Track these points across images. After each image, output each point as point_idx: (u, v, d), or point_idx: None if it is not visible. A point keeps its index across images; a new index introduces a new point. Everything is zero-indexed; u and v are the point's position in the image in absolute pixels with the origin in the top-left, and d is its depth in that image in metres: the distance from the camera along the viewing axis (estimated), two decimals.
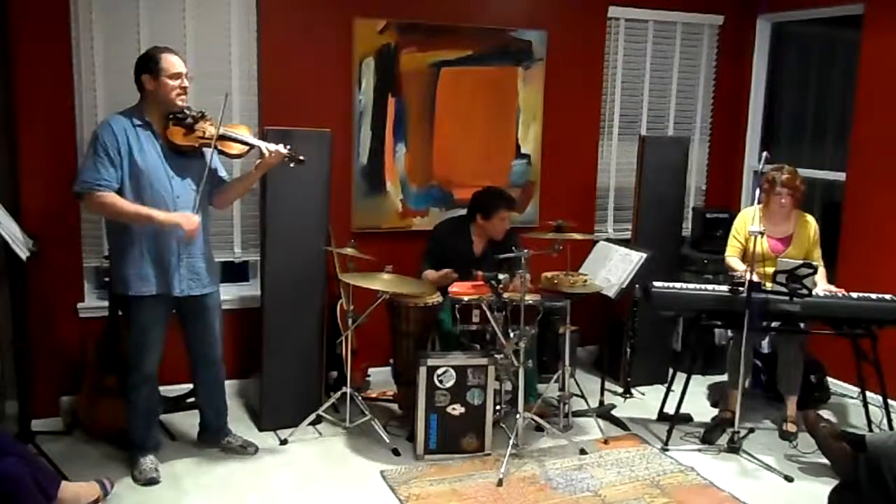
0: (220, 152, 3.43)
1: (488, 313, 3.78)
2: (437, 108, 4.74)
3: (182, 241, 3.34)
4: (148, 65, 3.29)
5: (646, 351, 4.83)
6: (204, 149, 3.38)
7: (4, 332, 3.76)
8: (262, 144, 3.45)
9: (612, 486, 3.59)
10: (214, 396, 3.78)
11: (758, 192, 4.05)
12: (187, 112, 3.35)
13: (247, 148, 3.45)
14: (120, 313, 3.74)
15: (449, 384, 3.77)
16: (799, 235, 4.23)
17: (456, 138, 4.80)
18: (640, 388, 4.83)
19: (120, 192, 3.26)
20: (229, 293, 4.43)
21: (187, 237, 3.30)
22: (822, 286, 4.07)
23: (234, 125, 3.53)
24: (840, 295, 4.00)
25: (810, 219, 4.28)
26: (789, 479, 3.68)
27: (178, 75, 3.30)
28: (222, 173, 3.62)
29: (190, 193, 3.36)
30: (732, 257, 4.33)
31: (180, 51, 4.05)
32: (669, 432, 4.04)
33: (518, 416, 3.80)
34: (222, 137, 3.39)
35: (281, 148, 3.44)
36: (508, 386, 4.21)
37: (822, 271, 4.17)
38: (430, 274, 4.29)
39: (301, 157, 3.50)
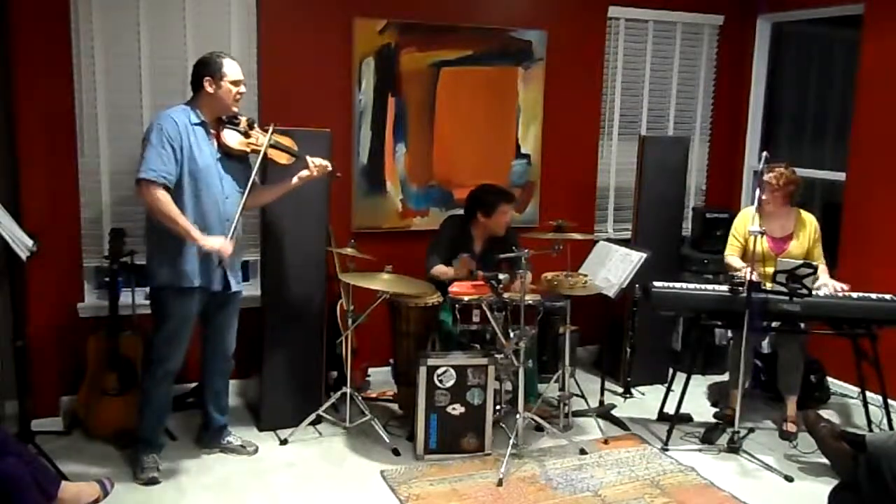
0: (270, 160, 3.53)
1: (488, 313, 3.78)
2: (437, 108, 4.74)
3: (216, 265, 3.41)
4: (211, 68, 3.37)
5: (646, 351, 4.83)
6: (253, 154, 3.46)
7: (4, 332, 3.76)
8: (309, 158, 3.55)
9: (612, 486, 3.59)
10: (220, 392, 3.80)
11: (757, 192, 4.05)
12: (241, 117, 3.47)
13: (294, 159, 3.55)
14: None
15: (449, 384, 3.77)
16: (798, 234, 4.23)
17: (456, 138, 4.80)
18: (640, 388, 4.83)
19: (178, 186, 3.32)
20: None
21: (220, 260, 3.38)
22: (826, 281, 4.06)
23: (283, 136, 3.59)
24: (843, 292, 3.99)
25: (810, 217, 4.28)
26: (789, 479, 3.68)
27: (238, 82, 3.41)
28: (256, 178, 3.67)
29: (236, 195, 3.44)
30: (732, 256, 4.33)
31: (180, 51, 4.10)
32: (669, 432, 4.04)
33: (518, 416, 3.80)
34: (274, 146, 3.49)
35: (325, 162, 3.57)
36: (508, 386, 4.21)
37: (823, 268, 4.17)
38: (442, 268, 4.25)
39: (339, 174, 3.75)
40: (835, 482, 3.33)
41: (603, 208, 5.39)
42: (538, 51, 4.92)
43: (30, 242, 3.36)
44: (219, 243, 3.32)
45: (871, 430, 3.95)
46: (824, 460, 3.74)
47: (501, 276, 3.77)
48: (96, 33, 3.97)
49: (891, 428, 4.02)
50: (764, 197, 4.10)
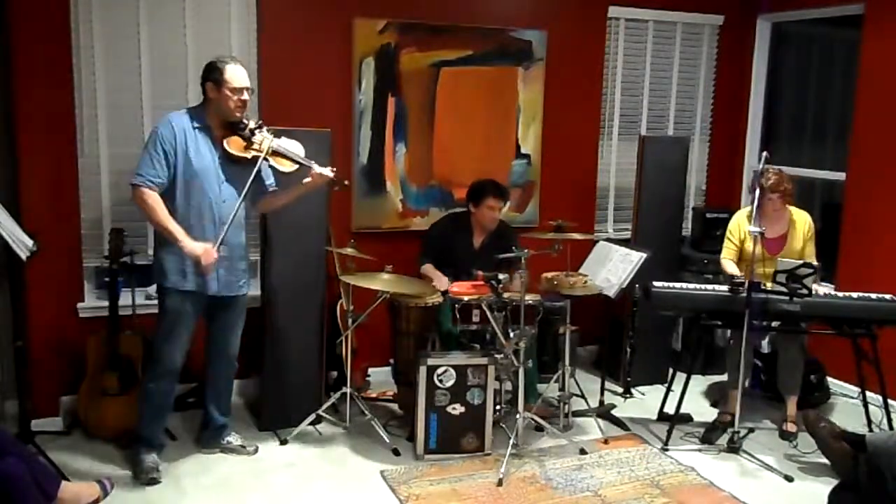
0: (271, 167, 3.54)
1: (488, 313, 3.78)
2: (437, 108, 4.74)
3: (198, 272, 3.41)
4: (213, 73, 3.38)
5: (646, 351, 4.83)
6: (256, 160, 3.46)
7: (4, 332, 3.76)
8: (313, 165, 3.53)
9: (612, 486, 3.59)
10: (223, 393, 3.81)
11: (756, 192, 4.05)
12: (245, 123, 3.45)
13: (297, 166, 3.53)
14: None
15: (449, 384, 3.77)
16: (792, 233, 4.23)
17: (456, 138, 4.80)
18: (640, 388, 4.83)
19: (171, 188, 3.35)
20: None
21: (201, 270, 3.37)
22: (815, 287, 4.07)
23: (288, 141, 3.58)
24: (851, 294, 3.99)
25: (802, 215, 4.25)
26: (789, 479, 3.68)
27: (238, 90, 3.39)
28: (270, 181, 3.68)
29: (235, 198, 3.44)
30: (726, 259, 4.31)
31: (180, 51, 4.10)
32: (669, 432, 4.04)
33: (518, 416, 3.80)
34: (275, 153, 3.48)
35: (328, 171, 3.53)
36: (508, 386, 4.20)
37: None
38: (429, 269, 4.33)
39: (346, 182, 3.66)
40: (835, 482, 3.33)
41: (603, 208, 5.39)
42: (538, 51, 4.92)
43: (30, 242, 3.36)
44: (200, 250, 3.32)
45: (871, 430, 3.95)
46: (824, 460, 3.74)
47: (501, 276, 3.77)
48: (96, 33, 3.97)
49: (891, 428, 4.02)
50: (769, 201, 4.09)
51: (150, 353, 3.62)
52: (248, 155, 3.44)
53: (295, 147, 3.56)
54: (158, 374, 3.54)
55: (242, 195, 3.41)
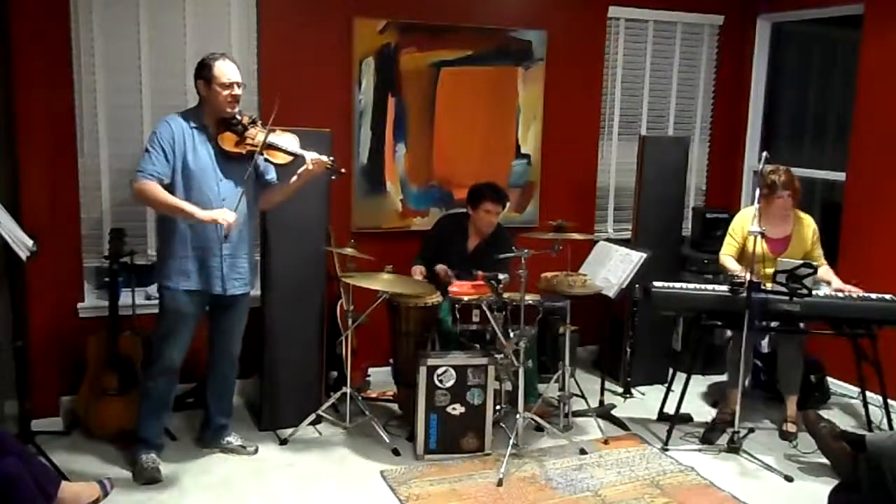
0: (266, 160, 3.53)
1: (488, 313, 3.78)
2: (437, 108, 4.74)
3: (221, 238, 3.39)
4: (202, 71, 3.39)
5: (646, 351, 4.83)
6: (252, 155, 3.45)
7: (4, 332, 3.76)
8: (307, 154, 3.52)
9: (612, 486, 3.59)
10: (224, 393, 3.80)
11: (757, 192, 4.05)
12: (238, 118, 3.44)
13: (292, 157, 3.53)
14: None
15: (449, 384, 3.77)
16: (797, 236, 4.23)
17: (456, 138, 4.80)
18: (640, 388, 4.83)
19: (170, 188, 3.35)
20: None
21: (226, 231, 3.33)
22: (840, 286, 4.05)
23: (282, 133, 3.58)
24: (852, 294, 3.97)
25: (808, 218, 4.27)
26: (789, 479, 3.68)
27: (228, 85, 3.38)
28: (270, 176, 3.67)
29: (235, 196, 3.43)
30: (727, 256, 4.30)
31: (180, 51, 4.09)
32: (669, 432, 4.04)
33: (518, 416, 3.80)
34: (269, 146, 3.47)
35: (324, 158, 3.52)
36: (508, 386, 4.20)
37: (827, 268, 4.17)
38: (418, 270, 4.33)
39: (343, 170, 3.63)
40: (835, 482, 3.33)
41: (603, 208, 5.39)
42: (538, 51, 4.92)
43: (30, 242, 3.36)
44: (217, 213, 3.30)
45: (871, 430, 3.95)
46: (824, 460, 3.74)
47: (501, 277, 3.77)
48: (96, 33, 3.97)
49: (891, 428, 4.02)
50: (779, 199, 4.08)
51: (149, 353, 3.62)
52: (243, 150, 3.44)
53: (289, 139, 3.55)
54: (157, 373, 3.54)
55: (242, 189, 3.41)
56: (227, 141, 3.43)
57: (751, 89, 5.54)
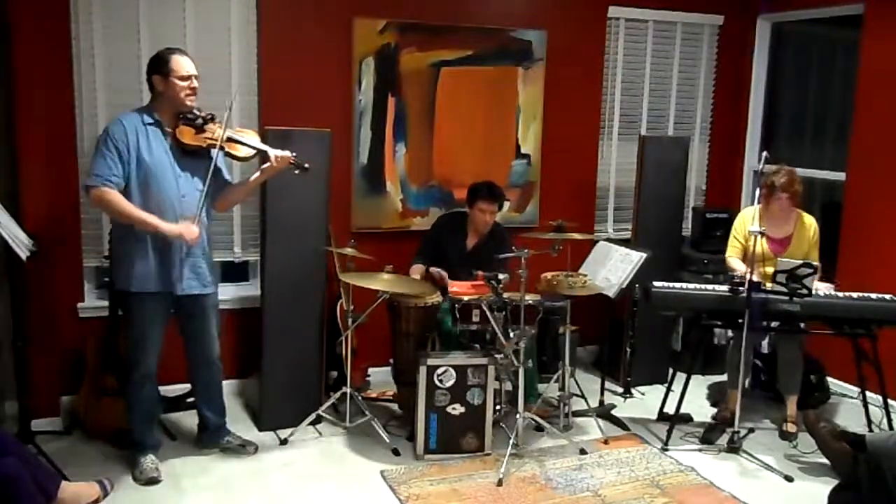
0: (227, 154, 3.47)
1: (488, 313, 3.78)
2: (437, 108, 4.74)
3: (184, 251, 3.38)
4: (158, 66, 3.34)
5: (646, 351, 4.83)
6: (211, 150, 3.42)
7: (4, 332, 3.76)
8: (269, 150, 3.48)
9: (612, 486, 3.59)
10: (212, 396, 3.78)
11: (758, 191, 4.05)
12: (197, 113, 3.40)
13: (253, 152, 3.49)
14: (120, 312, 3.73)
15: (449, 384, 3.77)
16: (798, 236, 4.23)
17: (456, 138, 4.80)
18: (640, 388, 4.83)
19: (127, 188, 3.29)
20: (229, 293, 4.43)
21: (189, 246, 3.34)
22: (816, 285, 4.05)
23: (242, 129, 3.55)
24: (833, 293, 3.99)
25: (810, 220, 4.27)
26: (789, 479, 3.68)
27: (187, 77, 3.35)
28: (227, 176, 3.64)
29: (195, 193, 3.39)
30: (733, 258, 4.32)
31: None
32: (669, 432, 4.04)
33: (518, 416, 3.80)
34: (229, 140, 3.43)
35: (287, 153, 3.48)
36: (508, 386, 4.20)
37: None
38: (417, 270, 4.32)
39: (306, 165, 3.55)
40: (835, 482, 3.33)
41: (603, 208, 5.38)
42: (538, 51, 4.92)
43: (30, 242, 3.36)
44: (182, 228, 3.27)
45: (871, 430, 3.95)
46: (824, 460, 3.74)
47: (501, 276, 3.77)
48: (96, 33, 3.97)
49: (891, 428, 4.02)
50: (777, 200, 4.09)
51: (126, 363, 3.57)
52: (203, 143, 3.38)
53: (250, 135, 3.52)
54: (139, 380, 3.51)
55: (205, 185, 3.37)
56: (185, 134, 3.37)
57: (751, 89, 5.55)
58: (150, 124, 3.36)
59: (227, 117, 3.41)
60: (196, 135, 3.38)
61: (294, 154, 3.50)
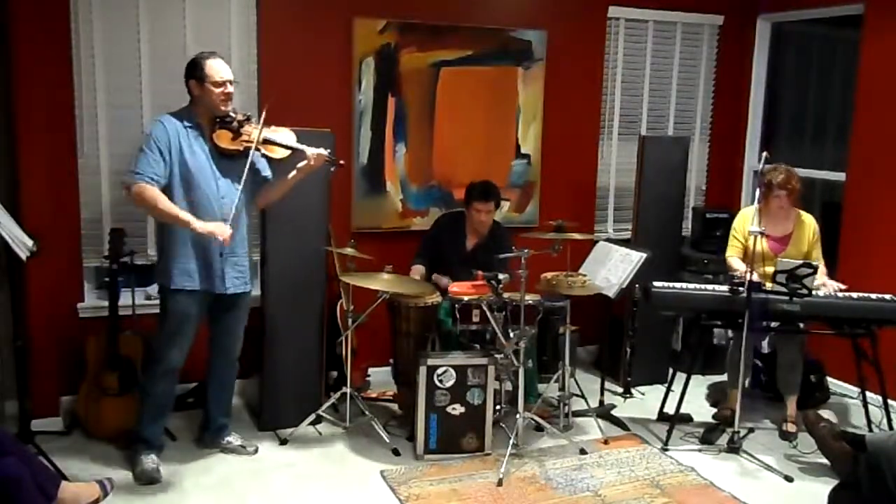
0: (263, 156, 3.53)
1: (488, 313, 3.78)
2: (437, 108, 4.74)
3: (220, 247, 3.42)
4: (194, 70, 3.39)
5: (646, 351, 4.83)
6: (248, 151, 3.44)
7: (4, 332, 3.76)
8: (306, 148, 3.52)
9: (612, 486, 3.59)
10: (224, 393, 3.81)
11: (758, 191, 4.05)
12: (233, 116, 3.44)
13: (289, 151, 3.52)
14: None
15: (449, 384, 3.77)
16: (797, 235, 4.23)
17: (456, 138, 4.80)
18: (640, 388, 4.83)
19: (169, 189, 3.34)
20: None
21: (222, 245, 3.37)
22: (825, 281, 4.05)
23: (277, 128, 3.57)
24: (840, 292, 3.99)
25: (809, 218, 4.28)
26: (789, 479, 3.68)
27: (221, 83, 3.38)
28: (266, 173, 3.66)
29: (234, 194, 3.43)
30: (733, 257, 4.32)
31: (180, 50, 4.09)
32: (669, 432, 4.04)
33: (518, 416, 3.80)
34: (265, 141, 3.47)
35: (323, 151, 3.52)
36: (508, 386, 4.20)
37: (822, 269, 4.17)
38: (417, 270, 4.33)
39: (341, 162, 3.63)
40: (835, 482, 3.33)
41: (603, 208, 5.39)
42: (538, 51, 4.92)
43: (30, 242, 3.36)
44: (214, 227, 3.30)
45: (871, 430, 3.95)
46: (824, 460, 3.74)
47: (501, 276, 3.77)
48: (96, 33, 3.97)
49: (891, 428, 4.02)
50: (775, 198, 4.09)
51: (150, 354, 3.62)
52: (239, 147, 3.43)
53: (286, 134, 3.55)
54: (160, 375, 3.54)
55: (241, 186, 3.40)
56: (223, 138, 3.42)
57: (751, 89, 5.55)
58: (189, 127, 3.41)
59: (262, 120, 3.45)
60: (233, 139, 3.43)
61: (329, 151, 3.56)
